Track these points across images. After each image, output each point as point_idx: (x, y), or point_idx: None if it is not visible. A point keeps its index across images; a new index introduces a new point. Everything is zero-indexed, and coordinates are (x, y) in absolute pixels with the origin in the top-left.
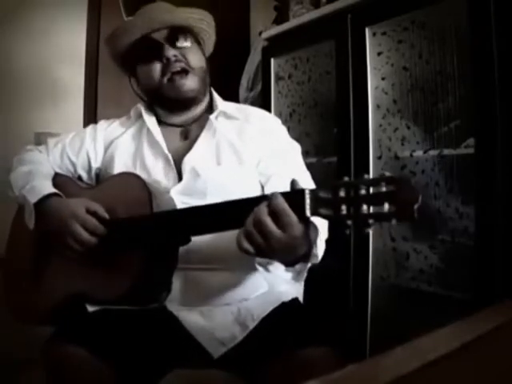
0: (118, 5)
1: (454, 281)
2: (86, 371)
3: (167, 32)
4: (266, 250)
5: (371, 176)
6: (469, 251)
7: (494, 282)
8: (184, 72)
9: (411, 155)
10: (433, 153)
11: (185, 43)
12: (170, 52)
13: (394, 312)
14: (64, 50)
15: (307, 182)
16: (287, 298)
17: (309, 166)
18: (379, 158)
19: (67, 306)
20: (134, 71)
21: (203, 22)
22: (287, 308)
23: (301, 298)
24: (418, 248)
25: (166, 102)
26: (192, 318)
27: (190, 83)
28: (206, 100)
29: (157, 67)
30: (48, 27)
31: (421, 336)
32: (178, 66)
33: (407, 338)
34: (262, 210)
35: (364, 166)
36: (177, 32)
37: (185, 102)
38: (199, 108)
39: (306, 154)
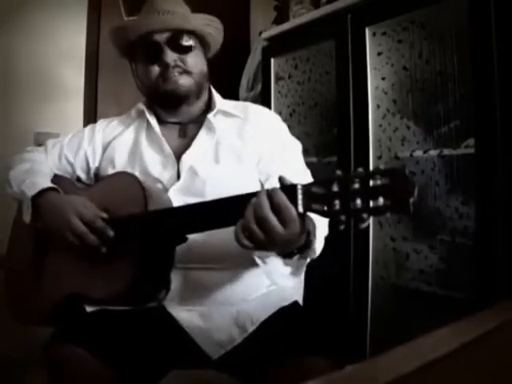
0: (117, 5)
1: (454, 281)
2: (87, 372)
3: (170, 34)
4: (267, 245)
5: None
6: (469, 251)
7: (494, 282)
8: (180, 74)
9: (411, 155)
10: (433, 153)
11: (186, 46)
12: (170, 57)
13: (393, 312)
14: (64, 50)
15: (307, 181)
16: (287, 300)
17: (309, 166)
18: (379, 157)
19: (66, 306)
20: (134, 64)
21: (210, 26)
22: (287, 312)
23: (301, 299)
24: (418, 248)
25: (160, 97)
26: (191, 319)
27: (184, 81)
28: (203, 100)
29: (155, 69)
30: (48, 27)
31: (421, 336)
32: (176, 72)
33: (407, 338)
34: (264, 204)
35: (364, 166)
36: (180, 35)
37: (176, 97)
38: (195, 107)
39: (305, 153)
